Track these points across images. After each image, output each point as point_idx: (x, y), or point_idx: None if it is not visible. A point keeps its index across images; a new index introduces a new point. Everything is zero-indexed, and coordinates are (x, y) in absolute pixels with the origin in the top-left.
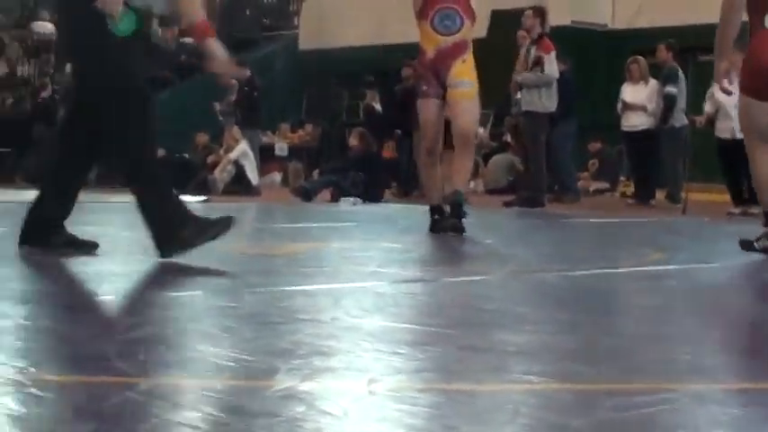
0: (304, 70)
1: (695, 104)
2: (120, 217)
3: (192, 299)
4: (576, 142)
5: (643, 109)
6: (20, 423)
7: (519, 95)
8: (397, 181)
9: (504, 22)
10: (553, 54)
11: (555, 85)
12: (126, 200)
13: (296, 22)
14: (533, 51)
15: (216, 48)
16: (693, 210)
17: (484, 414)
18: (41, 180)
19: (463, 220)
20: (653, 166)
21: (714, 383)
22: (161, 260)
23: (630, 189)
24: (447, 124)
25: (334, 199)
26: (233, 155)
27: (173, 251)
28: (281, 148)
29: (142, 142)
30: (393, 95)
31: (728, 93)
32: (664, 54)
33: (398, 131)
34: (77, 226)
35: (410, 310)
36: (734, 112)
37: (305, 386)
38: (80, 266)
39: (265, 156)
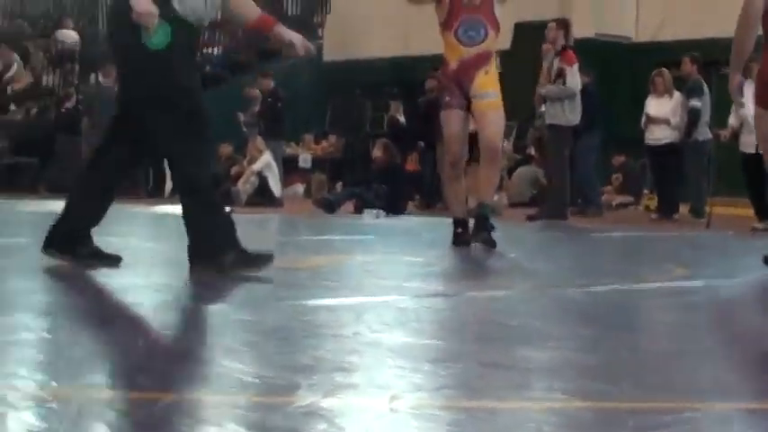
0: (328, 81)
1: (719, 118)
2: (143, 228)
3: (214, 312)
4: (600, 155)
5: (667, 122)
6: None
7: (543, 108)
8: (420, 193)
9: (528, 35)
10: (575, 66)
11: (578, 98)
12: (148, 211)
13: (320, 34)
14: (556, 64)
15: (288, 32)
16: (717, 224)
17: None
18: (71, 189)
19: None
20: (677, 179)
21: (738, 403)
22: (184, 273)
23: (654, 203)
24: (472, 137)
25: (358, 211)
26: (256, 166)
27: (204, 270)
28: (304, 159)
29: (194, 156)
30: (417, 107)
31: (741, 105)
32: (688, 67)
33: (422, 143)
34: (100, 236)
35: (432, 326)
36: None
37: (326, 403)
38: (103, 279)
39: (288, 167)
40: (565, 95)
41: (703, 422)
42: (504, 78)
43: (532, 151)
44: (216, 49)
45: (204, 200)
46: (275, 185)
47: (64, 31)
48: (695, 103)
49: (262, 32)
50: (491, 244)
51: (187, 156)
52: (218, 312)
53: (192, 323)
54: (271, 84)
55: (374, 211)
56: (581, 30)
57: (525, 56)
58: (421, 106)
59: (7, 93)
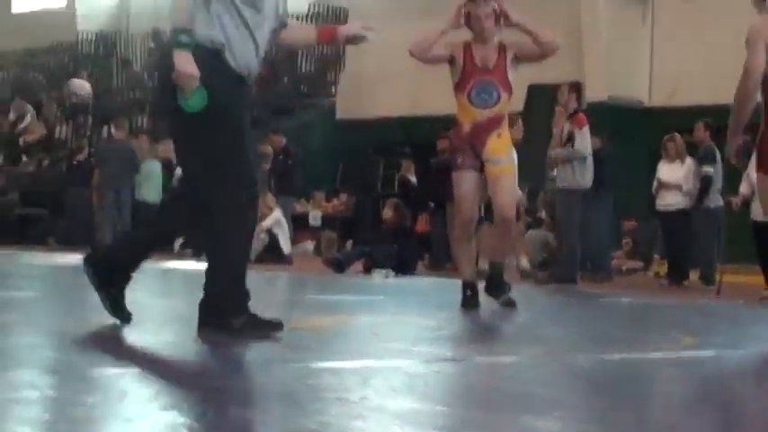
0: (340, 139)
1: (731, 185)
2: (152, 283)
3: (220, 374)
4: (611, 220)
5: (678, 188)
6: None
7: (554, 171)
8: (430, 253)
9: (542, 96)
10: (585, 129)
11: (590, 162)
12: (157, 266)
13: (333, 91)
14: (567, 127)
15: (348, 29)
16: (727, 292)
17: None
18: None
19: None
20: (687, 246)
21: None
22: (193, 332)
23: (664, 269)
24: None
25: (367, 270)
26: (266, 223)
27: (212, 330)
28: (314, 217)
29: (229, 219)
30: (428, 167)
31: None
32: (701, 133)
33: (432, 204)
34: None
35: (440, 392)
36: None
37: None
38: (109, 336)
39: (299, 224)
40: (574, 158)
41: None
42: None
43: (543, 214)
44: None
45: (228, 262)
46: (285, 243)
47: (76, 80)
48: (708, 169)
49: (331, 43)
50: (512, 305)
51: (225, 217)
52: (223, 374)
53: (196, 385)
54: (282, 140)
55: (383, 271)
56: (594, 93)
57: (538, 118)
58: (432, 166)
59: (19, 144)
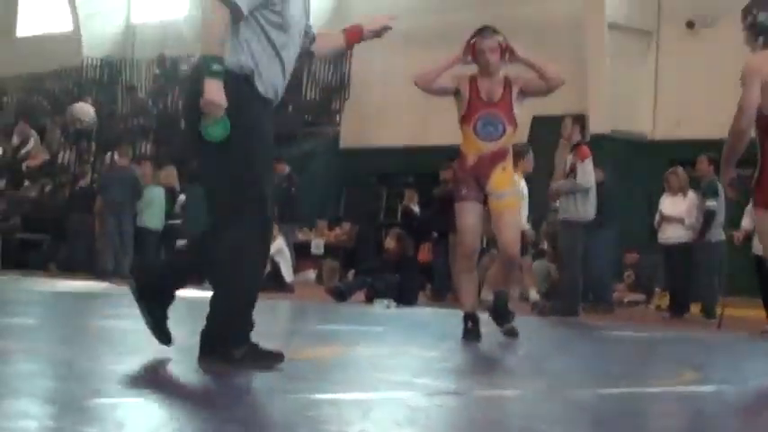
0: (344, 168)
1: (733, 219)
2: None
3: (219, 404)
4: (613, 252)
5: (681, 222)
6: None
7: (557, 203)
8: (432, 283)
9: (545, 128)
10: (587, 161)
11: (592, 194)
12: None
13: (338, 120)
14: (570, 159)
15: (371, 24)
16: (729, 325)
17: None
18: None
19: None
20: (689, 279)
21: None
22: (193, 361)
23: (666, 302)
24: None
25: (368, 300)
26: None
27: (213, 360)
28: (317, 245)
29: (241, 248)
30: (431, 197)
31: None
32: (704, 166)
33: (435, 234)
34: (110, 321)
35: (441, 426)
36: None
37: None
38: (109, 365)
39: (301, 252)
40: (576, 190)
41: None
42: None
43: (545, 245)
44: None
45: (237, 291)
46: (287, 271)
47: (79, 105)
48: (711, 203)
49: (359, 42)
50: (514, 334)
51: (235, 242)
52: (223, 405)
53: (196, 416)
54: (285, 168)
55: (385, 301)
56: (597, 126)
57: (542, 149)
58: (435, 196)
59: (22, 169)
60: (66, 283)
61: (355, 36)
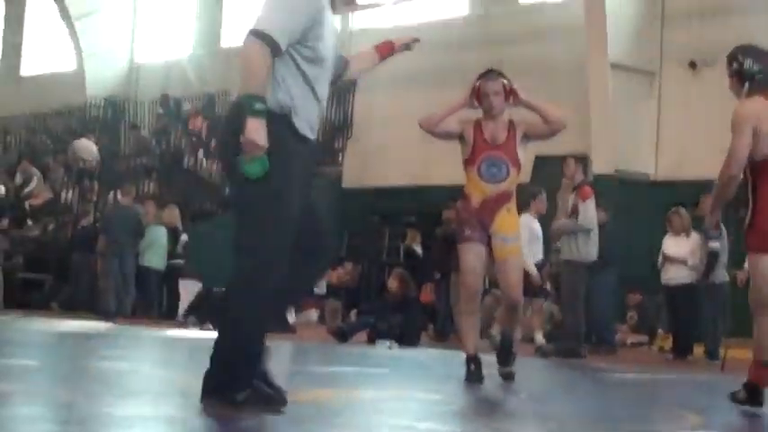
0: (346, 208)
1: (736, 259)
2: (155, 353)
3: None
4: (616, 293)
5: (684, 262)
6: None
7: (559, 244)
8: (434, 324)
9: (548, 168)
10: (589, 202)
11: (594, 234)
12: (161, 334)
13: (340, 160)
14: (572, 199)
15: (400, 39)
16: (732, 367)
17: None
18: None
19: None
20: (692, 320)
21: None
22: (196, 404)
23: (668, 343)
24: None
25: (371, 341)
26: None
27: (215, 402)
28: (319, 285)
29: (257, 291)
30: (434, 237)
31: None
32: (707, 207)
33: (438, 274)
34: (111, 362)
35: None
36: None
37: None
38: (109, 409)
39: None
40: (577, 231)
41: None
42: (521, 210)
43: (548, 286)
44: None
45: (246, 335)
46: (288, 311)
47: (81, 142)
48: (714, 245)
49: (392, 55)
50: (510, 377)
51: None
52: None
53: None
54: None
55: (387, 342)
56: (600, 166)
57: (544, 189)
58: (438, 237)
59: (25, 207)
60: (67, 323)
61: (388, 50)
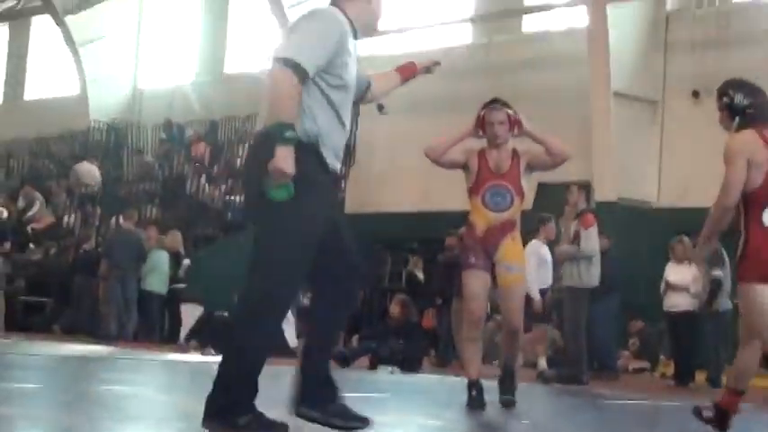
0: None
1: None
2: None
3: None
4: (618, 320)
5: (686, 290)
6: None
7: (561, 270)
8: (436, 349)
9: (551, 195)
10: (591, 230)
11: (596, 261)
12: (162, 358)
13: (343, 186)
14: (574, 226)
15: (420, 62)
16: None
17: None
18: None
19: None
20: (694, 348)
21: None
22: (194, 429)
23: (670, 370)
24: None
25: (372, 366)
26: None
27: (216, 427)
28: None
29: (267, 317)
30: (436, 263)
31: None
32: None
33: (439, 300)
34: (110, 386)
35: None
36: None
37: None
38: (109, 429)
39: (304, 317)
40: (579, 257)
41: None
42: (525, 237)
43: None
44: (238, 197)
45: (250, 360)
46: (290, 336)
47: (83, 166)
48: (717, 273)
49: (414, 73)
50: (510, 405)
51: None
52: None
53: None
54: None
55: (389, 368)
56: (603, 193)
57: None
58: (440, 262)
59: (27, 231)
60: (68, 347)
61: (409, 72)
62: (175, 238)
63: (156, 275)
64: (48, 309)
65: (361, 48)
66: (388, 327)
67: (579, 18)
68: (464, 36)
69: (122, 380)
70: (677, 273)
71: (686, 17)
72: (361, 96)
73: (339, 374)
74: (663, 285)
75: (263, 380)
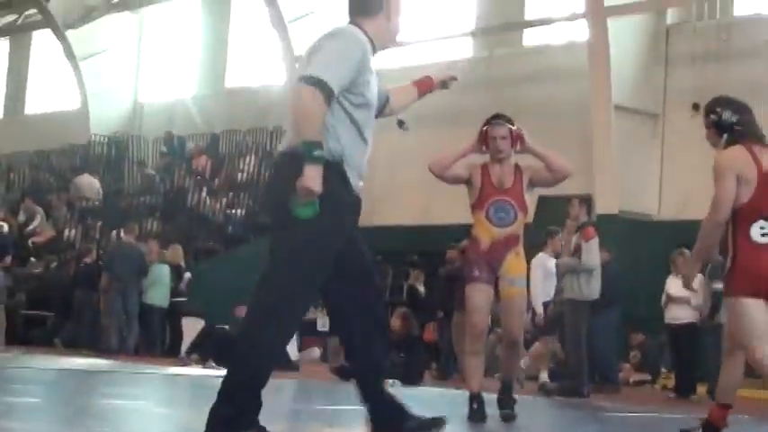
0: None
1: None
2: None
3: None
4: (619, 333)
5: (687, 302)
6: None
7: (562, 282)
8: (437, 362)
9: (552, 209)
10: (592, 243)
11: (597, 274)
12: (163, 371)
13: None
14: (575, 239)
15: (438, 76)
16: (735, 407)
17: None
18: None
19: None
20: (695, 360)
21: None
22: None
23: (671, 382)
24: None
25: None
26: None
27: None
28: (322, 323)
29: (276, 332)
30: (437, 277)
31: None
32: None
33: (441, 313)
34: (109, 400)
35: None
36: None
37: None
38: None
39: (306, 330)
40: (580, 270)
41: None
42: (526, 251)
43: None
44: (239, 211)
45: (258, 365)
46: (292, 349)
47: (83, 179)
48: (718, 286)
49: (431, 88)
50: (510, 419)
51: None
52: None
53: None
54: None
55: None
56: (604, 206)
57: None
58: (441, 276)
59: (27, 245)
60: (69, 361)
61: (427, 87)
62: (176, 252)
63: (158, 289)
64: (49, 322)
65: None
66: (389, 340)
67: (580, 32)
68: (465, 50)
69: (123, 394)
70: (678, 285)
71: (686, 30)
72: (380, 110)
73: (341, 388)
74: (664, 298)
75: (265, 391)
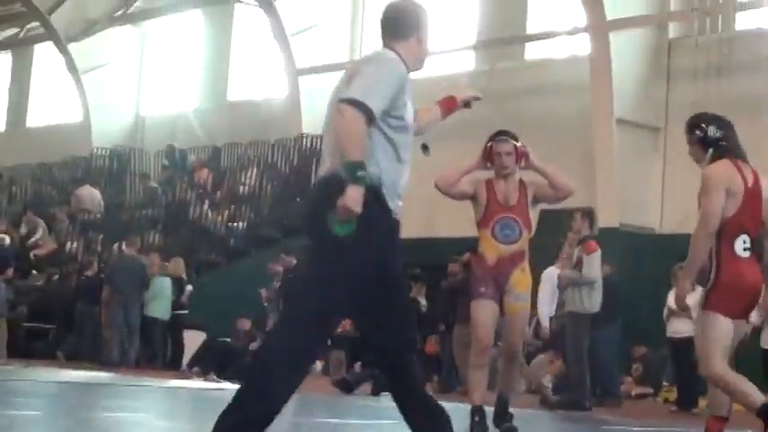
0: None
1: None
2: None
3: None
4: (621, 346)
5: (689, 316)
6: None
7: (563, 295)
8: (439, 375)
9: (553, 222)
10: (594, 255)
11: (599, 287)
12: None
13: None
14: (577, 252)
15: (460, 96)
16: (737, 420)
17: None
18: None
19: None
20: (697, 373)
21: None
22: None
23: (673, 395)
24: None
25: (375, 393)
26: None
27: None
28: None
29: (294, 351)
30: (439, 290)
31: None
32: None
33: (443, 326)
34: (110, 413)
35: None
36: None
37: None
38: None
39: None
40: (581, 283)
41: None
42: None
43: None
44: (241, 224)
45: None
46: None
47: (84, 191)
48: None
49: (453, 109)
50: (512, 431)
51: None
52: None
53: None
54: (293, 261)
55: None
56: (606, 220)
57: (549, 243)
58: (443, 289)
59: (29, 258)
60: (71, 373)
61: (450, 107)
62: (178, 265)
63: (159, 302)
64: (50, 335)
65: None
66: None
67: (582, 45)
68: (467, 63)
69: (124, 406)
70: None
71: (688, 44)
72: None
73: (342, 401)
74: (665, 311)
75: None
